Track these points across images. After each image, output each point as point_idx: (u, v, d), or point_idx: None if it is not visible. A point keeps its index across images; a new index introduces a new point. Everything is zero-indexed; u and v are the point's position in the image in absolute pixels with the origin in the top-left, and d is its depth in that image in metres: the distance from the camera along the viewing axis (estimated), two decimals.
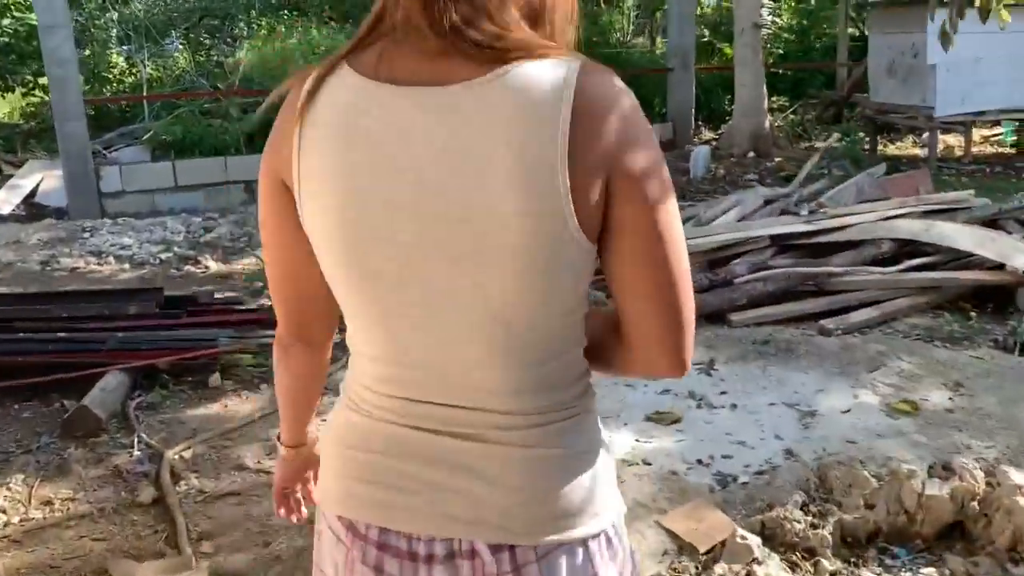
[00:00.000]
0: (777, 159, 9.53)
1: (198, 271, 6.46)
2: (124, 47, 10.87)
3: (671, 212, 0.91)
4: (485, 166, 0.85)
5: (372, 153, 0.89)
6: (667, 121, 10.81)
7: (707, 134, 11.58)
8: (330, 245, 0.94)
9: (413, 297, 0.93)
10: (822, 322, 4.60)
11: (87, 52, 11.27)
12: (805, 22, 12.75)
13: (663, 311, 0.93)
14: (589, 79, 0.87)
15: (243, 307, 5.15)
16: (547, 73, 0.86)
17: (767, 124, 9.85)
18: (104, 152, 9.37)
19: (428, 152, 0.88)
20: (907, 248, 5.13)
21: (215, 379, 4.27)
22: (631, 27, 16.85)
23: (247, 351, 4.51)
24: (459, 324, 0.92)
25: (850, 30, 12.61)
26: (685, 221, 6.09)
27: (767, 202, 6.45)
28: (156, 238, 7.26)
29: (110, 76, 11.43)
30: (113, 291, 5.13)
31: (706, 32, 13.29)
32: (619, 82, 0.90)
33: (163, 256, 6.78)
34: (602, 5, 21.65)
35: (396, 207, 0.90)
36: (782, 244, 5.27)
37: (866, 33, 13.65)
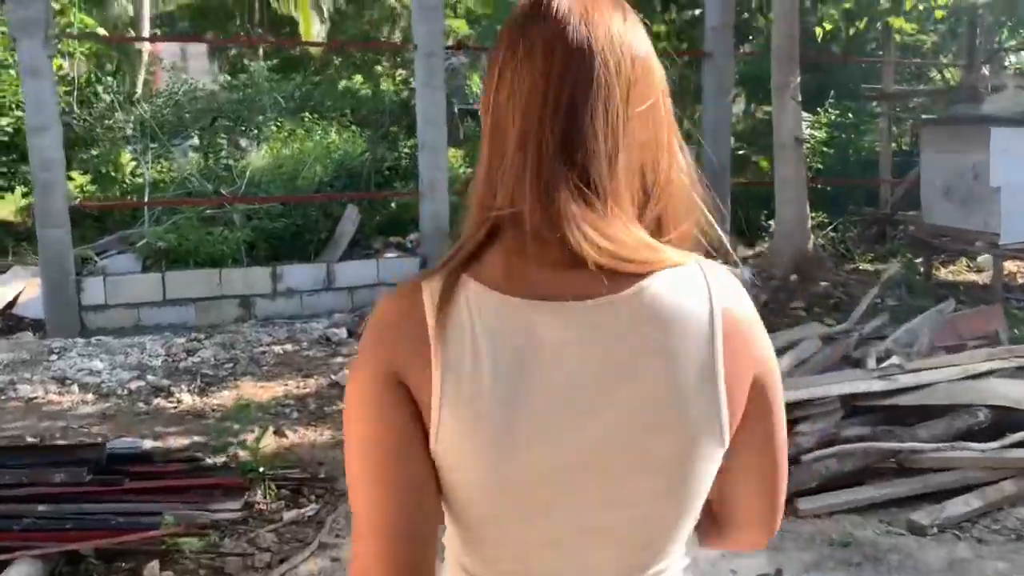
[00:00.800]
0: (823, 283, 8.70)
1: (169, 406, 5.64)
2: (131, 147, 10.39)
3: (783, 407, 0.97)
4: (643, 383, 0.87)
5: (524, 373, 0.86)
6: None
7: (742, 251, 10.81)
8: (476, 467, 0.87)
9: (561, 523, 0.90)
10: (913, 516, 3.68)
11: (95, 152, 10.82)
12: (842, 135, 12.12)
13: (767, 492, 0.98)
14: (724, 287, 0.90)
15: (203, 465, 4.31)
16: (687, 285, 0.89)
17: (811, 245, 9.06)
18: (95, 258, 8.73)
19: (584, 371, 0.87)
20: (1008, 416, 4.22)
21: (152, 569, 3.41)
22: None
23: (195, 533, 3.64)
24: (598, 548, 0.92)
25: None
26: None
27: (824, 340, 5.61)
28: (131, 362, 6.48)
29: (118, 177, 10.93)
30: (45, 447, 4.30)
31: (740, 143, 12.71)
32: (741, 287, 0.93)
33: (134, 385, 5.99)
34: None
35: (555, 430, 0.87)
36: (854, 405, 4.39)
37: (907, 148, 13.05)
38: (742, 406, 0.91)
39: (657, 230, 0.92)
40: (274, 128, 12.40)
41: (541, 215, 0.85)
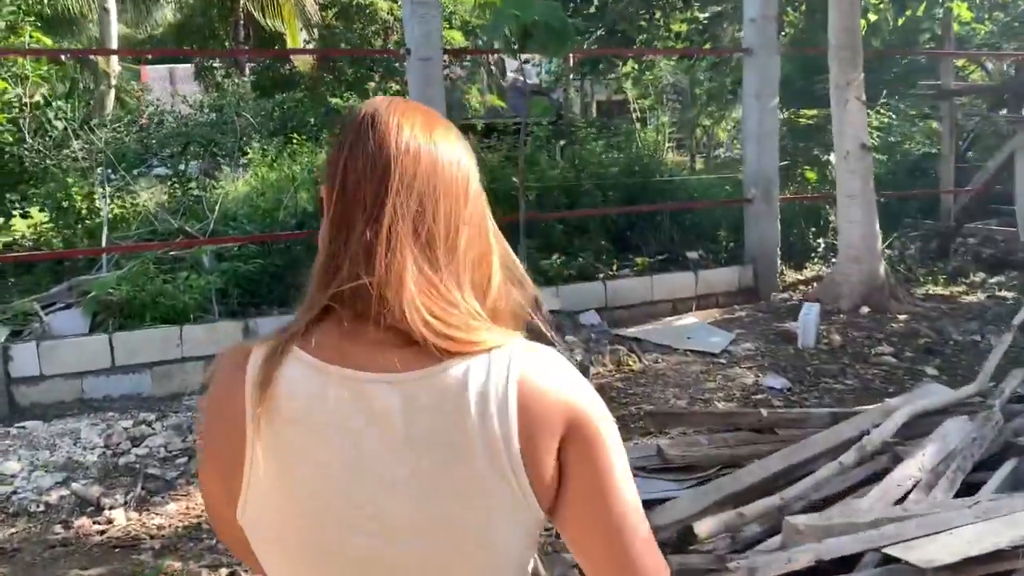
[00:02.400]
0: (901, 317, 7.30)
1: (94, 531, 4.25)
2: (89, 180, 9.04)
3: (621, 476, 0.97)
4: (439, 459, 0.92)
5: (337, 444, 0.92)
6: (745, 263, 8.68)
7: (789, 276, 9.41)
8: (281, 535, 0.96)
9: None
10: None
11: (49, 185, 9.47)
12: (895, 140, 10.75)
13: (616, 553, 0.96)
14: (528, 361, 0.96)
15: None
16: (493, 365, 0.94)
17: (883, 271, 7.67)
18: (40, 314, 7.36)
19: (392, 440, 0.92)
20: None
21: None
22: (667, 144, 15.04)
23: None
24: None
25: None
26: (814, 457, 3.88)
27: (950, 409, 4.23)
28: (58, 459, 5.10)
29: (80, 212, 9.56)
30: None
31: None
32: (555, 359, 0.99)
33: (55, 496, 4.61)
34: (636, 123, 20.16)
35: (361, 501, 0.93)
36: None
37: (969, 152, 11.68)
38: (550, 473, 0.94)
39: (493, 314, 1.00)
40: (252, 152, 11.06)
41: (385, 286, 0.93)
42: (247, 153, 10.94)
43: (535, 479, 0.93)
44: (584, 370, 6.14)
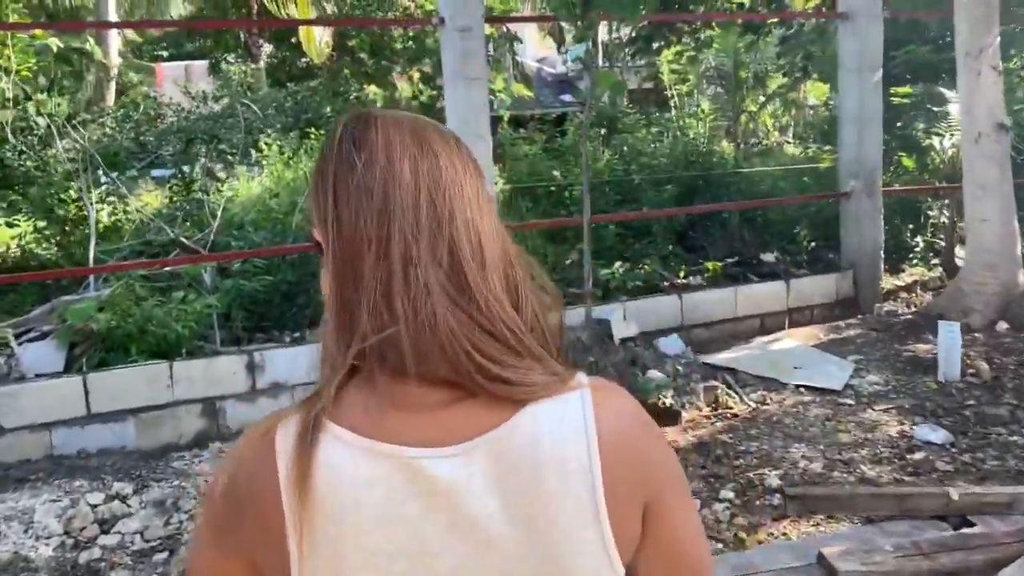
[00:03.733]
0: None
1: None
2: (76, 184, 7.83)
3: (695, 522, 0.92)
4: (525, 526, 0.81)
5: (395, 537, 0.80)
6: (842, 269, 7.32)
7: (886, 281, 8.02)
8: None
9: None
10: None
11: (33, 190, 8.30)
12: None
13: None
14: (606, 414, 0.85)
15: None
16: (565, 417, 0.83)
17: (1021, 279, 6.28)
18: (13, 343, 6.18)
19: (460, 523, 0.81)
20: None
21: None
22: (706, 131, 13.72)
23: None
24: None
25: None
26: None
27: None
28: (0, 554, 3.88)
29: (67, 220, 8.37)
30: None
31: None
32: (629, 401, 0.89)
33: None
34: (674, 111, 18.75)
35: None
36: None
37: None
38: (636, 529, 0.87)
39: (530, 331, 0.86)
40: (266, 148, 9.82)
41: (418, 331, 0.80)
42: (262, 150, 9.72)
43: (619, 537, 0.83)
44: (675, 416, 4.85)
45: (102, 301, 6.07)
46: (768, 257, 9.00)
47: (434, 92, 7.52)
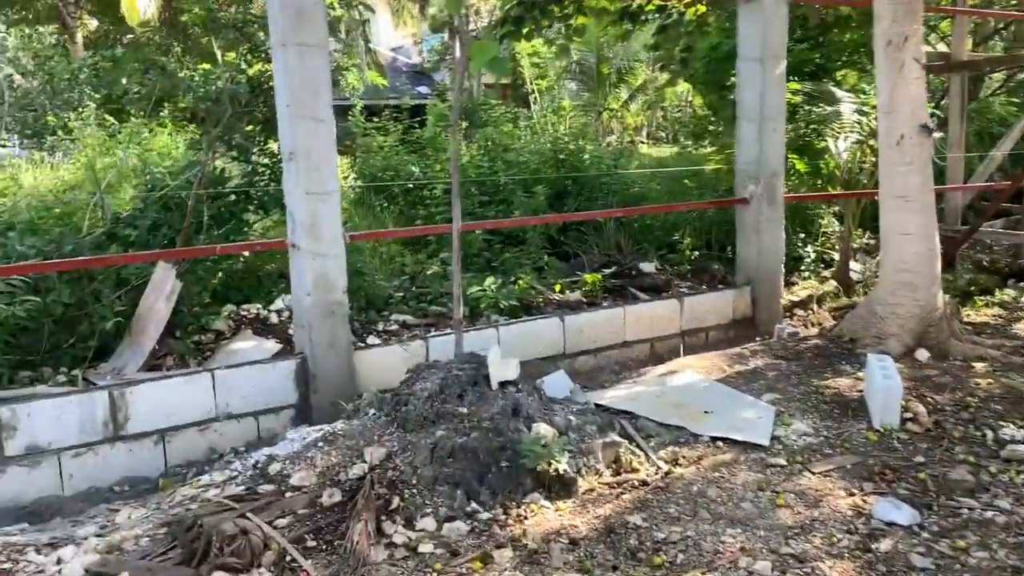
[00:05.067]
0: (976, 364, 5.26)
1: None
2: None
3: None
4: None
5: None
6: (739, 285, 6.48)
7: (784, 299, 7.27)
8: None
9: None
10: None
11: None
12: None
13: None
14: None
15: None
16: None
17: (941, 300, 5.60)
18: None
19: None
20: None
21: None
22: (568, 129, 12.82)
23: None
24: None
25: None
26: None
27: None
28: None
29: None
30: None
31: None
32: None
33: None
34: (533, 106, 17.87)
35: None
36: None
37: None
38: None
39: None
40: (76, 128, 8.06)
41: None
42: (71, 130, 7.96)
43: None
44: (570, 485, 3.75)
45: None
46: (647, 267, 8.12)
47: (264, 65, 6.10)
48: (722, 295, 6.31)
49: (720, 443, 4.26)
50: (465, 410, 4.05)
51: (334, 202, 4.71)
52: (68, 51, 15.04)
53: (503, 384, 4.23)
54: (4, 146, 9.36)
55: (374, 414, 4.31)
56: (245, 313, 6.15)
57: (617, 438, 4.15)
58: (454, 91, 4.19)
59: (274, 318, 6.11)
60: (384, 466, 3.82)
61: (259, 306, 6.27)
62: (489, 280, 6.17)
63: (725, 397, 4.83)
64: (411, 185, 9.08)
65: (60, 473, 4.22)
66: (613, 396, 4.87)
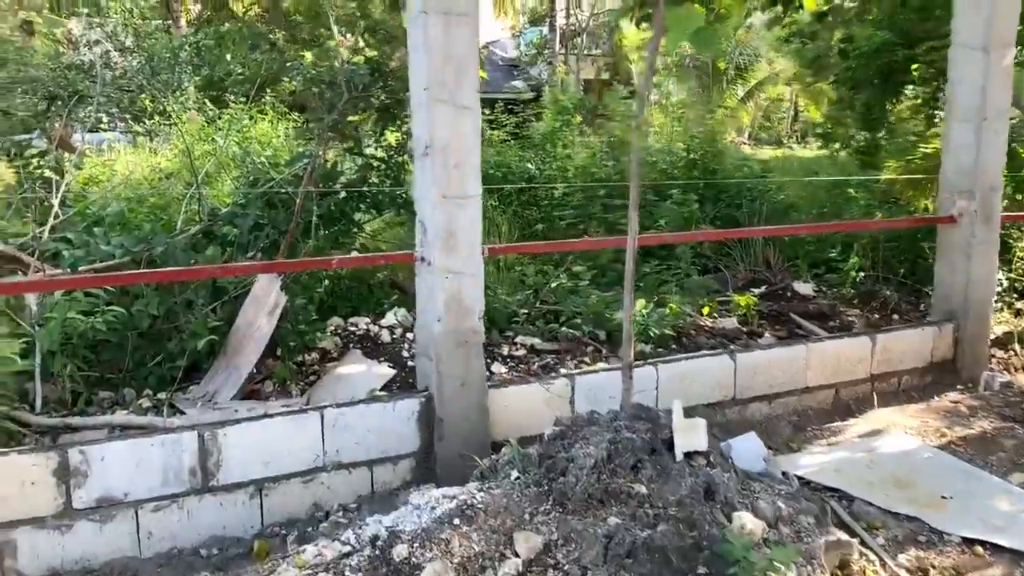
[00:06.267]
0: None
1: None
2: None
3: None
4: None
5: None
6: (939, 321, 5.35)
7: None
8: None
9: None
10: None
11: None
12: None
13: None
14: None
15: None
16: None
17: None
18: None
19: None
20: None
21: None
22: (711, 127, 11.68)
23: None
24: None
25: None
26: None
27: None
28: None
29: None
30: None
31: None
32: None
33: None
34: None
35: None
36: None
37: None
38: None
39: None
40: (160, 113, 7.44)
41: None
42: (150, 115, 7.36)
43: None
44: None
45: None
46: (803, 288, 7.05)
47: (384, 45, 5.25)
48: (921, 333, 5.20)
49: (978, 547, 3.21)
50: (644, 489, 3.12)
51: (474, 209, 3.83)
52: (171, 35, 14.70)
53: (688, 456, 3.28)
54: (103, 129, 8.90)
55: (518, 479, 3.41)
56: (353, 328, 5.36)
57: (842, 536, 3.15)
58: (645, 75, 3.24)
59: (385, 336, 5.30)
60: (542, 561, 2.92)
61: (367, 320, 5.47)
62: (640, 304, 5.21)
63: (962, 476, 3.76)
64: (525, 185, 8.20)
65: (137, 530, 3.46)
66: (811, 465, 3.86)
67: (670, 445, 3.33)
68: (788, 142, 23.95)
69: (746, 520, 3.02)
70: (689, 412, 3.54)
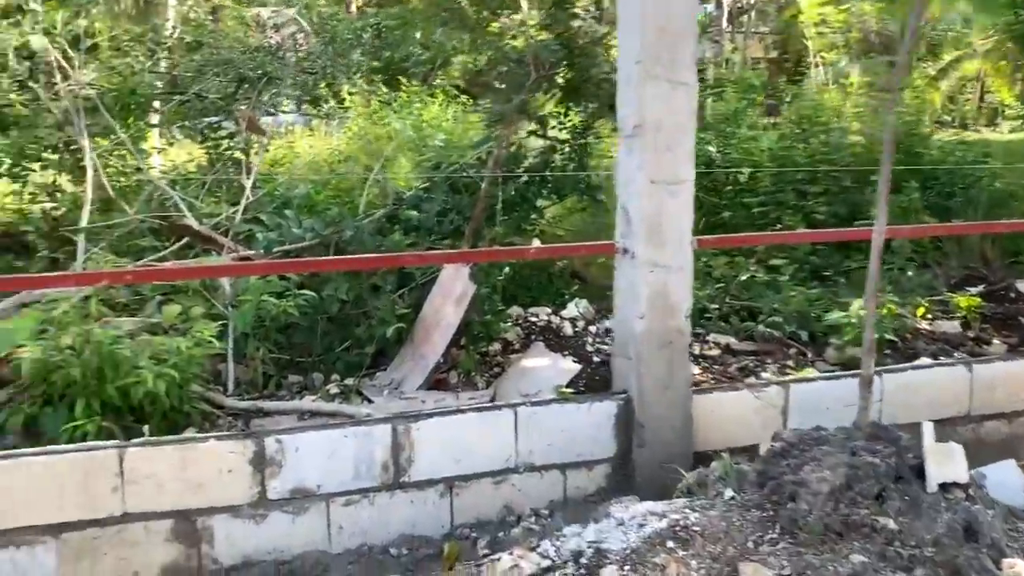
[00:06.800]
0: None
1: None
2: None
3: None
4: None
5: None
6: None
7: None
8: None
9: None
10: None
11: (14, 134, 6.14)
12: None
13: None
14: None
15: None
16: None
17: None
18: None
19: None
20: None
21: None
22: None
23: None
24: None
25: None
26: None
27: None
28: None
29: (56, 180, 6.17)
30: None
31: None
32: None
33: None
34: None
35: None
36: None
37: None
38: None
39: None
40: (348, 96, 7.49)
41: None
42: (327, 99, 7.44)
43: None
44: None
45: (42, 319, 3.82)
46: None
47: (573, 23, 4.95)
48: None
49: None
50: (892, 524, 2.69)
51: (686, 195, 3.49)
52: (350, 17, 15.03)
53: (944, 487, 2.82)
54: (284, 111, 9.12)
55: (733, 499, 3.06)
56: (533, 319, 5.13)
57: None
58: (906, 40, 2.80)
59: (567, 328, 5.04)
60: None
61: (548, 311, 5.23)
62: (856, 304, 4.71)
63: None
64: (704, 169, 7.73)
65: (328, 524, 3.36)
66: None
67: (918, 472, 2.89)
68: (975, 124, 22.08)
69: (1020, 568, 2.55)
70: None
